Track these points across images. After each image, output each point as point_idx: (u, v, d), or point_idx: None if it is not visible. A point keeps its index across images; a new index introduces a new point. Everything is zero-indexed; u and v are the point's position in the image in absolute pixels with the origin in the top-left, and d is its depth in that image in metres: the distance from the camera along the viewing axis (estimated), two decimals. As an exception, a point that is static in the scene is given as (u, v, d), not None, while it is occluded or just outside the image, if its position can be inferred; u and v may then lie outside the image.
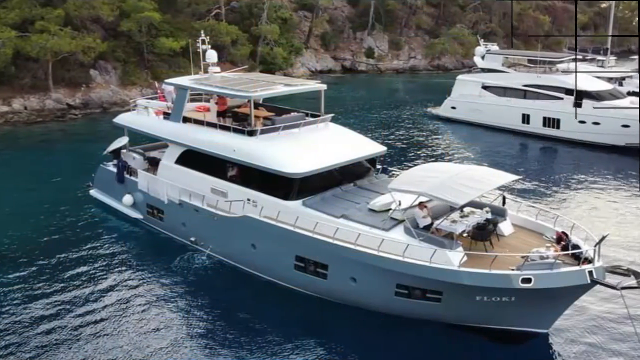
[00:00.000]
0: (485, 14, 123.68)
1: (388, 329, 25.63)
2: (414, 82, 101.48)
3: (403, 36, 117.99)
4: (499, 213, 27.16)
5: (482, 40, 74.94)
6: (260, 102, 36.22)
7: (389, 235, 25.28)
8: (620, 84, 66.83)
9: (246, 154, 29.97)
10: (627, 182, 46.05)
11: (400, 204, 25.98)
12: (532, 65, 64.96)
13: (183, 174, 33.34)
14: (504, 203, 28.49)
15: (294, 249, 27.53)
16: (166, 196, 33.76)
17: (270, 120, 32.29)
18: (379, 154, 32.54)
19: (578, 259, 23.64)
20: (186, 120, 34.18)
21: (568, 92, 58.54)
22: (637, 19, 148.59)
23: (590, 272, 22.62)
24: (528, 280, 22.56)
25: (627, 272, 23.16)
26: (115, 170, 37.87)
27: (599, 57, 75.54)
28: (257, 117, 32.61)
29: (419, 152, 54.35)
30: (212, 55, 36.34)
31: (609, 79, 64.88)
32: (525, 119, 61.26)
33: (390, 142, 56.51)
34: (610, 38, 79.41)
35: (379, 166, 33.61)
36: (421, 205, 25.96)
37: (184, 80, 35.77)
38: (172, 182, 33.48)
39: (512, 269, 22.96)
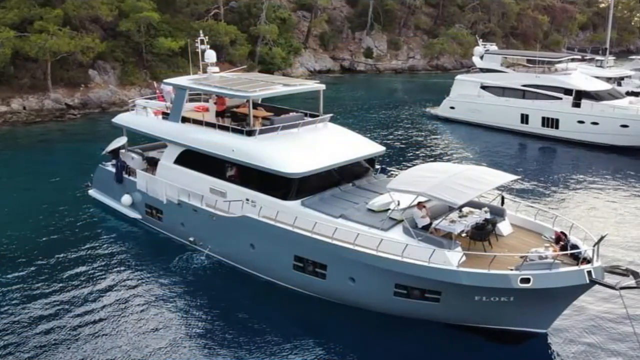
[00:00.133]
0: (484, 14, 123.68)
1: (387, 329, 25.64)
2: (413, 82, 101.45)
3: (402, 36, 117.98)
4: (498, 213, 27.17)
5: (481, 40, 74.95)
6: (259, 102, 36.24)
7: (387, 235, 25.29)
8: (619, 84, 66.94)
9: (245, 154, 29.96)
10: (626, 182, 46.07)
11: (399, 204, 25.99)
12: (530, 65, 64.96)
13: (182, 174, 33.33)
14: (502, 203, 28.50)
15: (292, 249, 27.53)
16: (165, 196, 33.76)
17: (269, 120, 32.29)
18: (378, 154, 32.56)
19: (577, 259, 23.66)
20: (185, 120, 34.18)
21: (567, 92, 58.61)
22: (635, 18, 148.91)
23: (589, 272, 22.63)
24: (527, 280, 22.56)
25: (626, 272, 23.16)
26: (114, 170, 37.87)
27: (598, 57, 75.62)
28: (255, 117, 32.60)
29: (417, 152, 54.35)
30: (210, 55, 36.34)
31: (608, 79, 64.99)
32: (524, 119, 61.29)
33: (389, 142, 56.52)
34: (609, 38, 79.18)
35: (377, 166, 33.63)
36: (420, 205, 25.97)
37: (182, 80, 35.77)
38: (171, 182, 33.48)
39: (511, 269, 22.97)
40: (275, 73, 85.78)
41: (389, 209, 26.81)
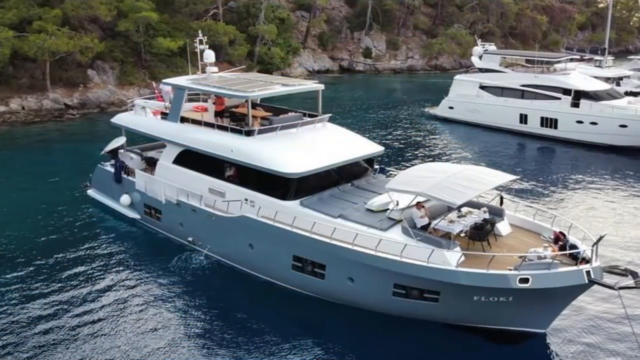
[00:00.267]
0: (482, 14, 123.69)
1: (385, 329, 25.64)
2: (412, 82, 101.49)
3: (400, 36, 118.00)
4: (497, 213, 27.17)
5: (480, 40, 74.97)
6: (258, 102, 36.23)
7: (386, 235, 25.29)
8: (618, 84, 67.00)
9: (244, 154, 29.96)
10: (625, 182, 46.10)
11: (397, 204, 25.98)
12: (529, 65, 64.99)
13: (181, 174, 33.33)
14: (501, 203, 28.49)
15: (291, 249, 27.53)
16: (164, 196, 33.75)
17: (268, 120, 32.28)
18: (377, 154, 32.57)
19: (576, 259, 23.66)
20: (184, 120, 34.18)
21: (566, 92, 58.65)
22: (634, 18, 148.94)
23: (588, 272, 22.63)
24: (526, 280, 22.56)
25: (625, 272, 23.16)
26: (112, 170, 37.86)
27: (597, 57, 75.68)
28: (254, 117, 32.58)
29: (416, 152, 54.36)
30: (209, 55, 36.35)
31: (607, 79, 65.05)
32: (523, 119, 61.32)
33: (387, 142, 56.53)
34: (608, 38, 79.24)
35: (376, 166, 33.65)
36: (419, 205, 25.98)
37: (181, 80, 35.77)
38: (170, 182, 33.48)
39: (510, 269, 22.97)
40: (274, 73, 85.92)
41: (387, 209, 26.81)
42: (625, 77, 69.24)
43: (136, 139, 40.41)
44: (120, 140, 38.48)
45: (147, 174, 35.39)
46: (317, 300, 27.60)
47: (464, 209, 26.50)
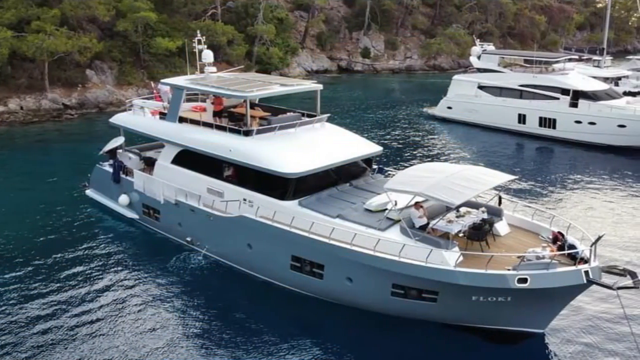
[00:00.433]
0: (481, 14, 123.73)
1: (384, 329, 25.64)
2: (410, 82, 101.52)
3: (399, 36, 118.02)
4: (495, 213, 27.18)
5: (478, 40, 74.95)
6: (256, 102, 36.22)
7: (385, 235, 25.28)
8: (617, 84, 67.03)
9: (242, 154, 29.96)
10: (623, 182, 46.12)
11: (396, 204, 25.99)
12: (528, 66, 65.01)
13: (179, 174, 33.32)
14: (500, 203, 28.49)
15: (290, 249, 27.52)
16: (162, 196, 33.74)
17: (266, 120, 32.26)
18: (375, 154, 32.57)
19: (574, 259, 23.67)
20: (182, 120, 34.17)
21: (564, 92, 58.67)
22: (633, 18, 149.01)
23: (587, 272, 22.64)
24: (524, 280, 22.56)
25: (623, 272, 23.19)
26: (111, 170, 37.84)
27: (595, 57, 75.72)
28: (253, 117, 32.58)
29: (415, 152, 54.37)
30: (208, 55, 36.37)
31: (605, 79, 65.07)
32: (522, 119, 61.34)
33: (386, 142, 56.54)
34: (606, 38, 79.28)
35: (375, 166, 33.63)
36: (417, 205, 25.98)
37: (180, 80, 35.75)
38: (168, 182, 33.47)
39: (508, 269, 22.97)
40: (273, 73, 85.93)
41: (386, 209, 26.79)
42: (624, 77, 69.26)
43: (135, 139, 40.42)
44: (119, 140, 38.47)
45: (145, 174, 35.38)
46: (315, 300, 27.60)
47: (463, 209, 26.53)
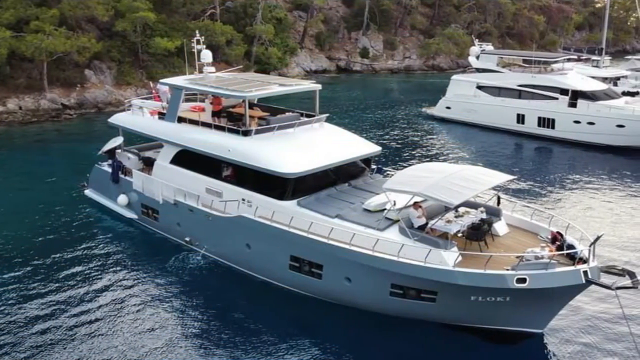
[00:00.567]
0: (479, 14, 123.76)
1: (383, 329, 25.64)
2: (409, 82, 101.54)
3: (398, 36, 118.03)
4: (494, 213, 27.18)
5: (477, 40, 74.98)
6: (255, 102, 36.19)
7: (383, 235, 25.29)
8: (615, 84, 67.05)
9: (241, 154, 29.95)
10: (622, 182, 46.14)
11: (395, 204, 26.00)
12: (527, 66, 65.00)
13: (178, 174, 33.32)
14: (498, 203, 28.49)
15: (288, 249, 27.53)
16: (161, 196, 33.74)
17: (265, 120, 32.26)
18: (374, 154, 32.57)
19: (573, 259, 23.68)
20: (181, 120, 34.16)
21: (563, 92, 58.68)
22: (631, 18, 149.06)
23: (585, 272, 22.65)
24: (523, 280, 22.56)
25: (622, 272, 23.21)
26: (110, 170, 37.83)
27: (594, 57, 75.75)
28: (251, 117, 32.56)
29: (413, 152, 54.38)
30: (207, 55, 36.34)
31: (604, 79, 65.10)
32: (520, 119, 61.36)
33: (384, 142, 56.56)
34: (605, 38, 79.33)
35: (373, 166, 33.65)
36: (416, 205, 25.97)
37: (178, 80, 35.73)
38: (167, 182, 33.47)
39: (507, 269, 22.97)
40: (271, 73, 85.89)
41: (385, 209, 26.79)
42: (623, 77, 69.30)
43: (133, 139, 40.40)
44: (118, 140, 38.45)
45: (144, 174, 35.37)
46: (314, 301, 27.60)
47: (461, 209, 26.52)
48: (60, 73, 71.08)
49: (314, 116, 33.45)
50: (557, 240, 25.25)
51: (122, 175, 37.06)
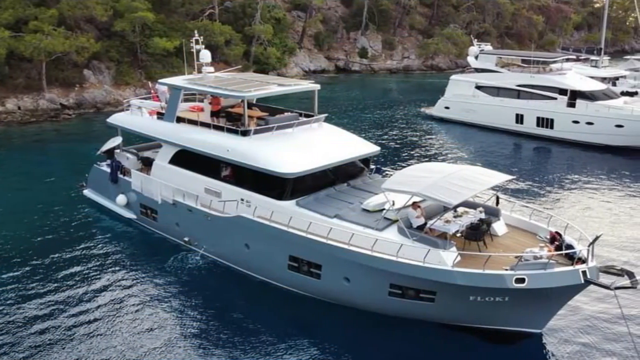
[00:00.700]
0: (478, 14, 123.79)
1: (381, 328, 25.64)
2: (408, 82, 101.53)
3: (396, 36, 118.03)
4: (493, 213, 27.18)
5: (476, 40, 75.00)
6: (254, 102, 36.21)
7: (382, 235, 25.28)
8: (614, 84, 67.08)
9: (240, 154, 29.94)
10: (621, 182, 46.15)
11: (393, 204, 26.00)
12: (525, 66, 64.98)
13: (177, 174, 33.30)
14: (497, 203, 28.49)
15: (287, 249, 27.52)
16: (160, 196, 33.73)
17: (264, 120, 32.26)
18: (373, 154, 32.56)
19: (572, 259, 23.70)
20: (180, 120, 34.14)
21: (562, 92, 58.69)
22: (630, 18, 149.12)
23: (584, 272, 22.67)
24: (522, 280, 22.57)
25: (621, 272, 23.21)
26: (108, 170, 37.80)
27: (593, 57, 75.78)
28: (250, 117, 32.58)
29: (412, 152, 54.38)
30: (205, 55, 36.32)
31: (603, 79, 65.13)
32: (519, 118, 61.36)
33: (383, 142, 56.56)
34: (603, 38, 79.37)
35: (372, 166, 33.64)
36: (415, 205, 25.97)
37: (177, 80, 35.72)
38: (166, 182, 33.45)
39: (506, 269, 22.98)
40: (270, 73, 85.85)
41: (383, 209, 26.80)
42: (621, 77, 69.31)
43: (132, 139, 40.39)
44: (116, 140, 38.44)
45: (143, 174, 35.35)
46: (313, 301, 27.60)
47: (460, 209, 26.51)
48: (59, 73, 71.06)
49: (312, 116, 33.45)
50: (555, 240, 25.25)
51: (120, 175, 37.05)
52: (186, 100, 37.85)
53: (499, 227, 26.78)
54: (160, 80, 37.94)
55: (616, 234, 35.72)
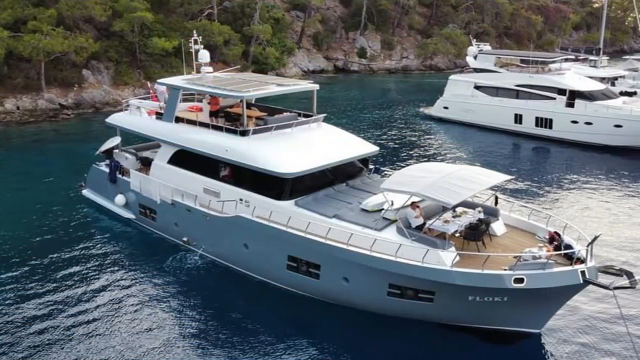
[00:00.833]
0: (477, 14, 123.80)
1: (380, 328, 25.64)
2: (407, 82, 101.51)
3: (395, 36, 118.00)
4: (492, 213, 27.18)
5: (475, 40, 75.04)
6: (253, 102, 36.20)
7: (381, 235, 25.29)
8: (613, 84, 67.09)
9: (238, 154, 29.94)
10: (620, 182, 46.16)
11: (392, 204, 26.00)
12: (524, 65, 64.99)
13: (175, 174, 33.29)
14: (496, 203, 28.52)
15: (286, 249, 27.52)
16: (158, 196, 33.72)
17: (263, 120, 32.26)
18: (372, 154, 32.56)
19: (571, 259, 23.72)
20: (179, 120, 34.13)
21: (560, 92, 58.70)
22: (629, 18, 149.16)
23: (583, 272, 22.67)
24: (520, 280, 22.58)
25: (620, 272, 23.20)
26: (107, 170, 37.79)
27: (592, 57, 75.79)
28: (249, 117, 32.59)
29: (411, 152, 54.38)
30: (204, 55, 36.33)
31: (602, 79, 65.15)
32: (518, 119, 61.36)
33: (382, 142, 56.54)
34: (602, 38, 79.39)
35: (371, 166, 33.65)
36: (413, 205, 25.97)
37: (176, 80, 35.70)
38: (165, 182, 33.44)
39: (505, 269, 22.98)
40: (269, 73, 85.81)
41: (382, 209, 26.81)
42: (620, 77, 69.32)
43: (131, 139, 40.38)
44: (115, 140, 38.42)
45: (142, 174, 35.34)
46: (312, 300, 27.60)
47: (459, 209, 26.52)
48: (57, 73, 71.00)
49: (311, 116, 33.44)
50: (554, 240, 25.26)
51: (119, 175, 37.05)
52: (185, 100, 37.85)
53: (497, 227, 26.79)
54: (159, 80, 37.92)
55: (615, 234, 35.73)
